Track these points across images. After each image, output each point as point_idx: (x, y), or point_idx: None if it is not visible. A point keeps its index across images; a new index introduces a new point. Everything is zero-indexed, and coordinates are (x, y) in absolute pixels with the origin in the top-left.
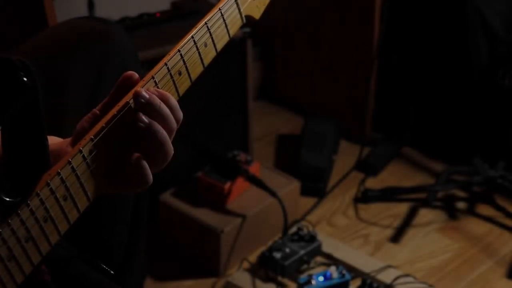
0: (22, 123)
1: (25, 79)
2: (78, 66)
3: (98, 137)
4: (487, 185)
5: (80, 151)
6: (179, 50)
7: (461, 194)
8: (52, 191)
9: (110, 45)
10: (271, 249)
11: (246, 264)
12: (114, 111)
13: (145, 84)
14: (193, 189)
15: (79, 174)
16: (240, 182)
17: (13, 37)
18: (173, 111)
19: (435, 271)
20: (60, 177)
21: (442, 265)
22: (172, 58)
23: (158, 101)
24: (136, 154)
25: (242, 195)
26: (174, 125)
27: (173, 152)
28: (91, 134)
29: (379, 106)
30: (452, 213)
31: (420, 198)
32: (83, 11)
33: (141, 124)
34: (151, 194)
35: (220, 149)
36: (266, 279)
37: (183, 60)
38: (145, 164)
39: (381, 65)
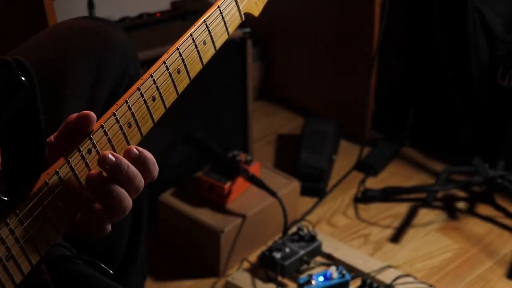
0: (20, 123)
1: (22, 78)
2: (77, 66)
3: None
4: (487, 185)
5: (79, 150)
6: (177, 48)
7: (461, 194)
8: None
9: (110, 45)
10: (271, 249)
11: (246, 264)
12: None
13: (143, 83)
14: (193, 189)
15: (77, 173)
16: (240, 182)
17: (13, 37)
18: (144, 166)
19: (435, 271)
20: (58, 176)
21: (442, 265)
22: (170, 56)
23: (125, 165)
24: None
25: (242, 195)
26: (141, 183)
27: (131, 205)
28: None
29: (379, 106)
30: (452, 213)
31: (420, 198)
32: (83, 11)
33: (96, 189)
34: (151, 194)
35: (220, 149)
36: (266, 279)
37: (182, 58)
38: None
39: (381, 65)
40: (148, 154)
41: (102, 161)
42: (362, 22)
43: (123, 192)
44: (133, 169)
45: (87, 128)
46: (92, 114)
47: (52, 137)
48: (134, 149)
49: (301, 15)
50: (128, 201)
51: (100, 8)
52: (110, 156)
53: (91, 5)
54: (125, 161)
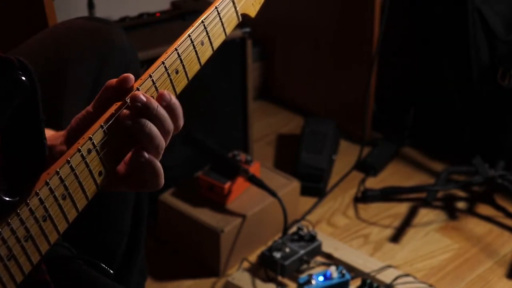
0: (21, 123)
1: (23, 78)
2: (77, 66)
3: (96, 135)
4: (487, 185)
5: (79, 150)
6: (176, 49)
7: (461, 194)
8: (51, 190)
9: (110, 45)
10: (271, 249)
11: (246, 264)
12: (112, 110)
13: (142, 83)
14: (193, 189)
15: (77, 173)
16: (240, 182)
17: (13, 37)
18: (173, 112)
19: (435, 271)
20: (59, 176)
21: (442, 265)
22: (169, 57)
23: (155, 104)
24: (143, 153)
25: (242, 195)
26: (171, 126)
27: (164, 147)
28: (89, 133)
29: (379, 106)
30: (452, 213)
31: (420, 198)
32: (83, 11)
33: (129, 123)
34: (151, 194)
35: (220, 149)
36: (266, 279)
37: (180, 59)
38: (156, 161)
39: (381, 65)
40: (177, 102)
41: (134, 99)
42: (362, 22)
43: (154, 128)
44: (162, 110)
45: (128, 85)
46: (130, 75)
47: (90, 107)
48: (166, 94)
49: (301, 15)
50: (161, 139)
51: (100, 8)
52: (141, 95)
53: (91, 5)
54: (155, 101)
